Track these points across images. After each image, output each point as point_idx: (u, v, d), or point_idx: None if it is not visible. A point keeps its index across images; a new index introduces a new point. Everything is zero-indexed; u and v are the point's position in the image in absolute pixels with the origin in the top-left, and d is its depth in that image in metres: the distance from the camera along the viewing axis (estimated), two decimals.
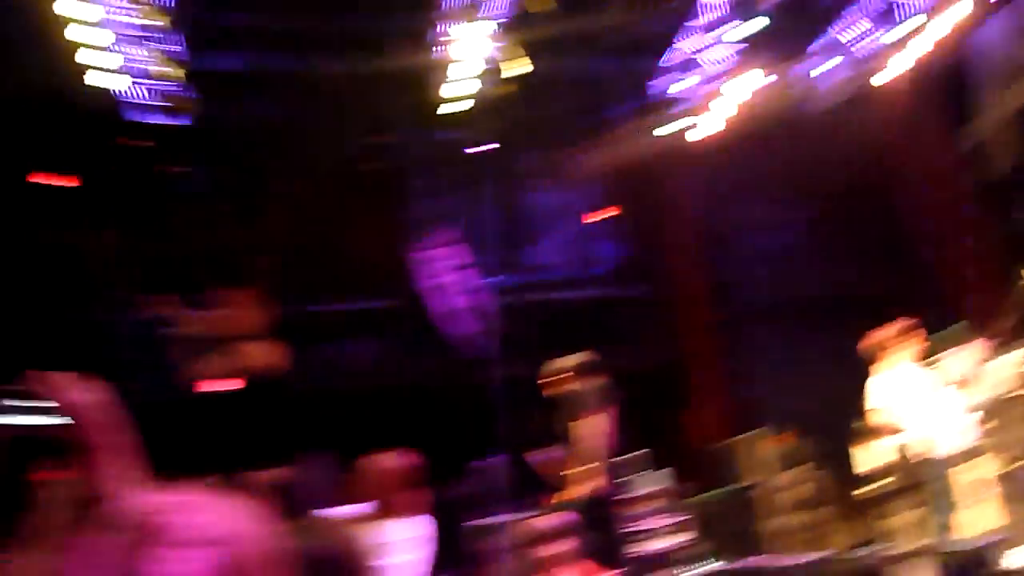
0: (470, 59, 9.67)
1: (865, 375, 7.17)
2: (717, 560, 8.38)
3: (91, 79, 8.65)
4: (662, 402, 11.80)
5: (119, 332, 10.73)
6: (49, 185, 10.68)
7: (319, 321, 11.27)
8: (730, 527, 8.96)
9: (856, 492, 8.17)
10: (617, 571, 6.65)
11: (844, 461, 9.74)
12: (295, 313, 11.05)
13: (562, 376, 6.70)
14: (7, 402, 1.84)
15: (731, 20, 9.78)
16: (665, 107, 11.14)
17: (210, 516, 0.99)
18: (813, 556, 7.91)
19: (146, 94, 9.62)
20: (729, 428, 10.81)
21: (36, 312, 10.50)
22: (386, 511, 4.45)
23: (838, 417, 9.93)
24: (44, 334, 10.22)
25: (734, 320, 11.89)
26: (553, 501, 7.53)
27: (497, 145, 11.16)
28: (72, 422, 1.71)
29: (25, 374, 1.71)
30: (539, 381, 6.79)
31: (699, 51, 10.49)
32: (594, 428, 6.38)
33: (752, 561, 8.27)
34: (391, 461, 4.60)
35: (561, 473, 6.72)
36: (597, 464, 6.33)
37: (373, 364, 11.66)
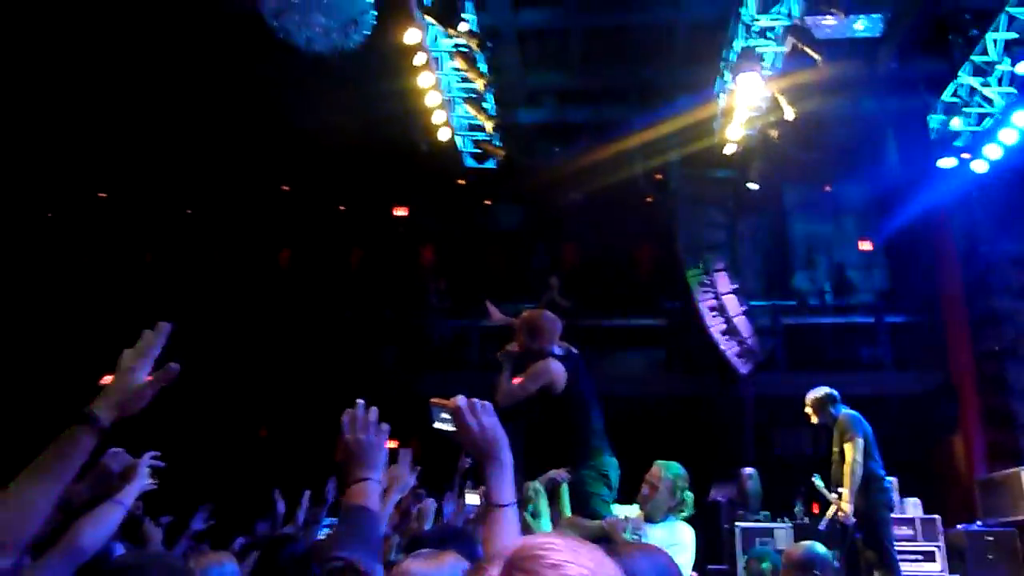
0: (744, 104, 9.92)
1: None
2: None
3: (436, 133, 9.97)
4: (926, 429, 11.27)
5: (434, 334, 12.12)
6: (394, 213, 12.41)
7: (600, 333, 12.00)
8: (990, 564, 8.41)
9: None
10: None
11: None
12: (580, 326, 11.99)
13: (815, 405, 6.73)
14: (441, 412, 2.24)
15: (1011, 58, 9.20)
16: (938, 142, 10.64)
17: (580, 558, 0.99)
18: None
19: (465, 143, 10.92)
20: (994, 461, 10.11)
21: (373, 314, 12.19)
22: (651, 515, 4.47)
23: None
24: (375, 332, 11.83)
25: (1001, 351, 11.03)
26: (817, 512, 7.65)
27: (767, 181, 11.25)
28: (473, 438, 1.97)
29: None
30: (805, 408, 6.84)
31: (977, 88, 9.94)
32: (850, 453, 6.36)
33: None
34: (659, 469, 4.59)
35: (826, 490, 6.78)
36: (850, 488, 6.31)
37: (643, 375, 12.17)
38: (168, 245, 12.43)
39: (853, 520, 6.33)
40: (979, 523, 9.10)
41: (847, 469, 6.30)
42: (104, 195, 12.20)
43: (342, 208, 12.49)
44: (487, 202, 12.47)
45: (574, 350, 5.22)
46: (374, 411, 2.11)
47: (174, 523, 5.23)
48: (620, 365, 12.46)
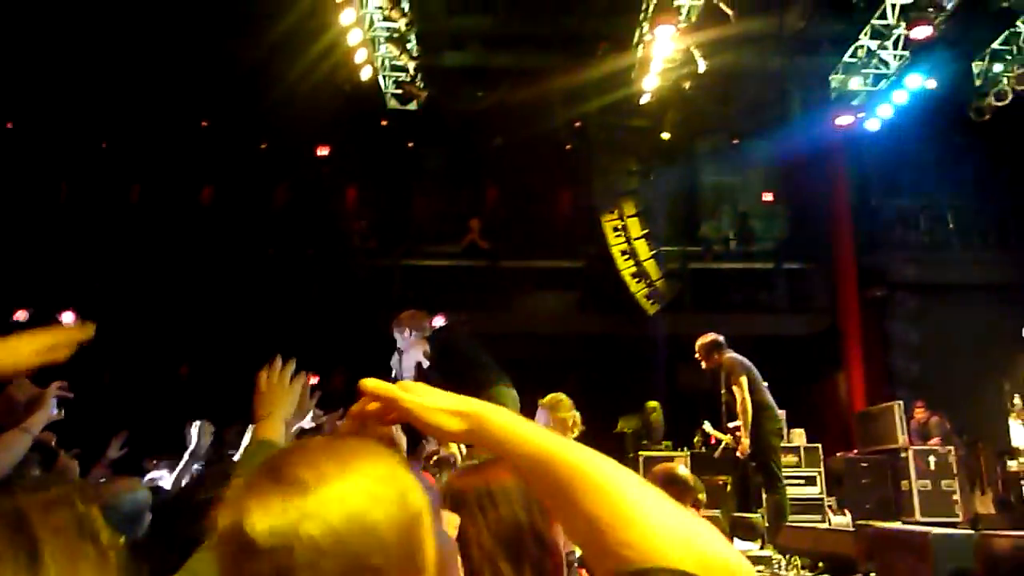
0: (660, 56, 9.94)
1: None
2: (846, 516, 8.48)
3: (358, 72, 9.66)
4: (814, 367, 11.83)
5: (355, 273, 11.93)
6: (316, 153, 12.03)
7: (518, 274, 12.05)
8: (864, 487, 8.98)
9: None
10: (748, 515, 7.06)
11: (978, 436, 9.52)
12: (500, 267, 12.03)
13: (702, 350, 6.92)
14: None
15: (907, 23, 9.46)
16: (837, 100, 10.94)
17: None
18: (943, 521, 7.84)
19: (388, 83, 10.63)
20: (872, 396, 10.73)
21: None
22: None
23: (973, 395, 9.68)
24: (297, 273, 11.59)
25: (884, 298, 11.64)
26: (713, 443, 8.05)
27: (679, 132, 11.38)
28: None
29: None
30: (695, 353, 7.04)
31: (874, 50, 10.22)
32: (739, 393, 6.60)
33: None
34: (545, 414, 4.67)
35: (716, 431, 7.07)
36: (743, 424, 6.57)
37: (558, 314, 12.31)
38: (84, 179, 11.79)
39: (749, 452, 6.62)
40: (856, 452, 9.69)
41: (739, 409, 6.57)
42: (11, 125, 11.43)
43: (264, 146, 12.05)
44: (410, 144, 12.22)
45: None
46: (290, 364, 2.02)
47: (87, 452, 5.09)
48: (538, 305, 12.60)
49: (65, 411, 2.73)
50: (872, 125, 10.70)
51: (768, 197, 13.64)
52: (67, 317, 10.11)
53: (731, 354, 6.82)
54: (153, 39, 9.56)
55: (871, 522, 8.22)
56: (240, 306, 10.70)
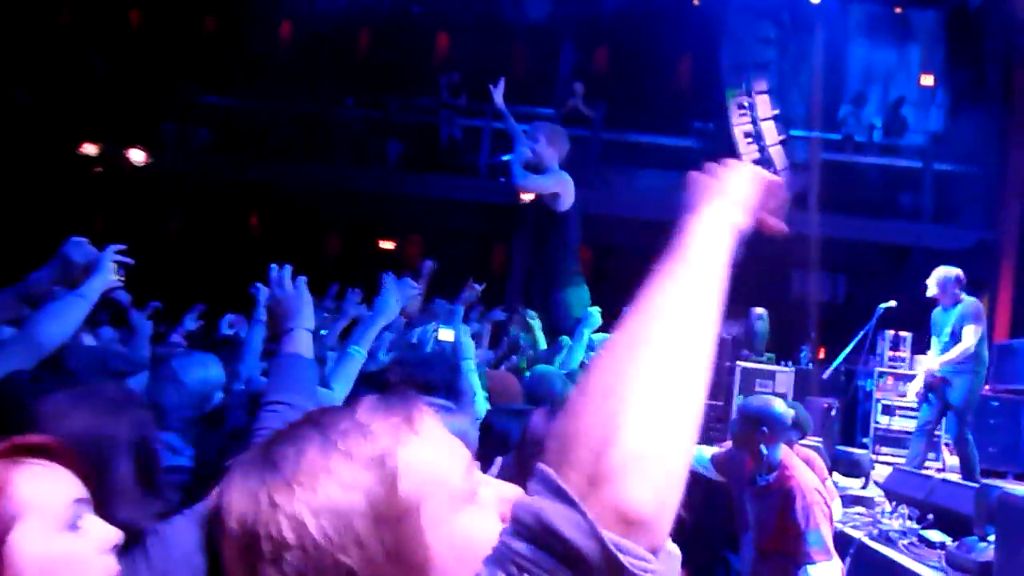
0: None
1: None
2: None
3: None
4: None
5: None
6: None
7: (622, 148, 11.47)
8: (990, 428, 8.34)
9: None
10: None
11: None
12: (602, 138, 11.43)
13: (944, 282, 6.70)
14: None
15: None
16: None
17: None
18: None
19: None
20: (1017, 328, 9.85)
21: None
22: None
23: None
24: None
25: None
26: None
27: None
28: None
29: None
30: None
31: None
32: (971, 338, 6.46)
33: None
34: None
35: None
36: (949, 358, 6.55)
37: (662, 197, 11.69)
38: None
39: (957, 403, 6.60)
40: (987, 388, 8.97)
41: (960, 347, 6.46)
42: None
43: None
44: None
45: None
46: (287, 268, 2.14)
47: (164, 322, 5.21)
48: (640, 184, 11.99)
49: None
50: None
51: (928, 81, 12.27)
52: (136, 155, 10.26)
53: (972, 298, 6.72)
54: None
55: (997, 482, 7.67)
56: (317, 156, 10.57)
